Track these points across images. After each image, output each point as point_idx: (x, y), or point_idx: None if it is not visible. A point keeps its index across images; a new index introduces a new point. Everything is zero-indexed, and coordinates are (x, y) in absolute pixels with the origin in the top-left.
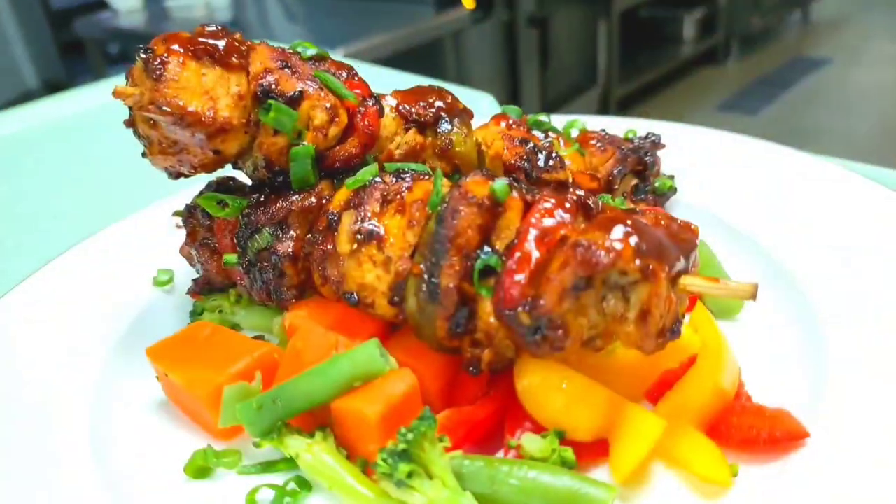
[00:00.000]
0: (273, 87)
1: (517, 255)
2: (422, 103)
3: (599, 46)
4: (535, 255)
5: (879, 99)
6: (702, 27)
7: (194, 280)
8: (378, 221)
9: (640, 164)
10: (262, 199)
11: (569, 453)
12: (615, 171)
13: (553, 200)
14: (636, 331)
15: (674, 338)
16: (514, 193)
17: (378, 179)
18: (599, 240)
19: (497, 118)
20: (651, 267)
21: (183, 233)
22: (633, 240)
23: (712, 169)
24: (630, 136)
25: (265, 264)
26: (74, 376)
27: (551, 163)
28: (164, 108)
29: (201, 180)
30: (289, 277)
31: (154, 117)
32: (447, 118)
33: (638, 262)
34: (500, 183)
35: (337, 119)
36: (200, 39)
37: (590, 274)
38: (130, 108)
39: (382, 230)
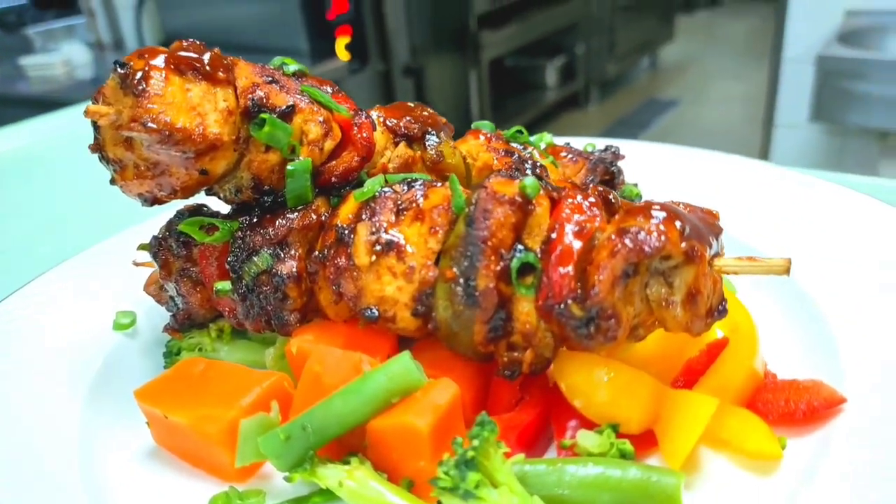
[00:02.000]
0: (264, 101)
1: (559, 248)
2: (407, 118)
3: (472, 94)
4: (577, 246)
5: (725, 135)
6: (563, 74)
7: (173, 316)
8: (396, 231)
9: (607, 173)
10: (254, 220)
11: (627, 445)
12: (587, 181)
13: (580, 195)
14: (684, 313)
15: (721, 316)
16: (541, 190)
17: (387, 190)
18: (645, 226)
19: (473, 133)
20: (696, 248)
21: (142, 270)
22: (678, 223)
23: (666, 178)
24: (589, 149)
25: (265, 289)
26: (49, 437)
27: (538, 172)
28: (150, 124)
29: (148, 214)
30: (292, 300)
31: (136, 136)
32: (433, 132)
33: (684, 244)
34: (531, 180)
35: (331, 133)
36: (181, 54)
37: (640, 260)
38: (97, 131)
39: (402, 239)
